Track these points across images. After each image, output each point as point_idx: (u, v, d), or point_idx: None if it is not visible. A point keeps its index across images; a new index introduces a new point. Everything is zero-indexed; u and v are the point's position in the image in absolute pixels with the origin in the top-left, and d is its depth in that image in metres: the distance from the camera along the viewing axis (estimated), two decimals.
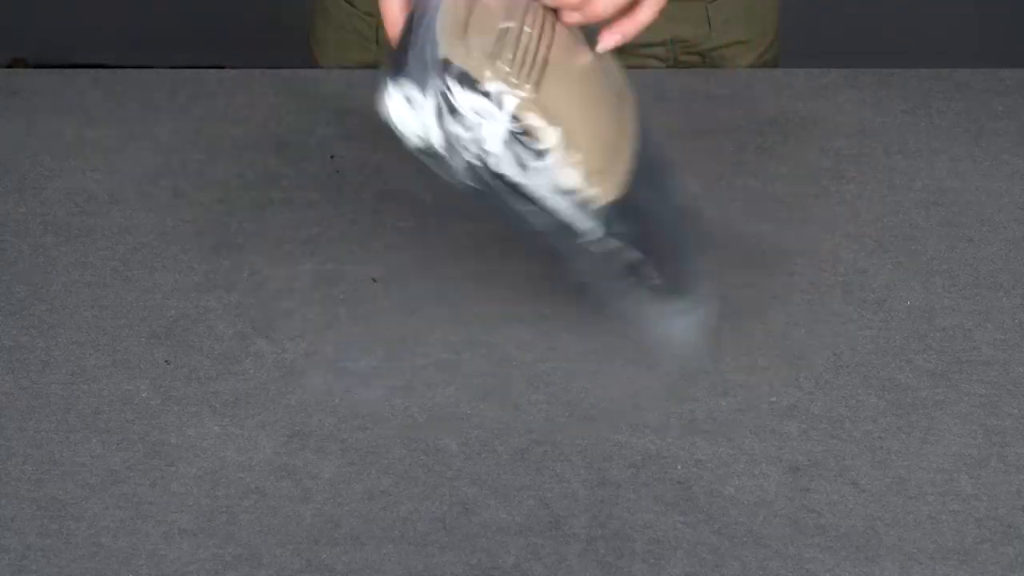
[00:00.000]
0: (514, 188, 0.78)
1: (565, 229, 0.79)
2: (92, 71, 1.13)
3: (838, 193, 0.98)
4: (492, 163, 0.77)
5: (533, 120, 0.76)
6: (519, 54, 0.76)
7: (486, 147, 0.76)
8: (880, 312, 0.90)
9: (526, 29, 0.78)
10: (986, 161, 1.02)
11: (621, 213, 0.80)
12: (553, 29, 0.80)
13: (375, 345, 0.88)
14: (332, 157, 1.02)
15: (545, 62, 0.77)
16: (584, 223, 0.79)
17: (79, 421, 0.83)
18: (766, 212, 0.96)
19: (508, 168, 0.77)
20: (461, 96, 0.75)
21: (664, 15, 1.16)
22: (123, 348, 0.88)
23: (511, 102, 0.75)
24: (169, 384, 0.85)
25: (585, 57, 0.82)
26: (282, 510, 0.78)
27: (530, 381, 0.85)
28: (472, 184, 0.77)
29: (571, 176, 0.77)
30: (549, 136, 0.76)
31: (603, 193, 0.79)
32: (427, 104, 0.76)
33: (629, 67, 1.19)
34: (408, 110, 0.77)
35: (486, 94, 0.75)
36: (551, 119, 0.76)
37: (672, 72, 1.14)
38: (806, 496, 0.78)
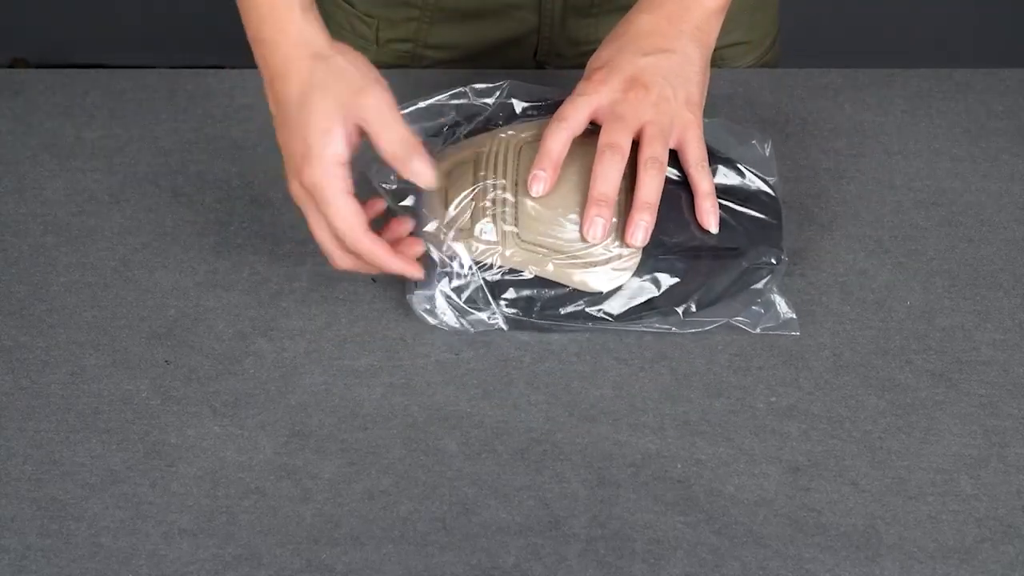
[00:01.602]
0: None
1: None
2: (92, 71, 1.13)
3: (838, 193, 0.98)
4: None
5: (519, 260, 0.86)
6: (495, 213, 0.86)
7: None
8: (880, 312, 0.90)
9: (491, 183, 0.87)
10: (986, 161, 1.02)
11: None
12: (517, 161, 0.88)
13: (375, 345, 0.88)
14: None
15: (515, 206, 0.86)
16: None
17: (79, 421, 0.83)
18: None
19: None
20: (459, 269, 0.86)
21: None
22: (123, 348, 0.88)
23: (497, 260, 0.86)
24: (169, 384, 0.85)
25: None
26: (282, 510, 0.78)
27: (530, 381, 0.85)
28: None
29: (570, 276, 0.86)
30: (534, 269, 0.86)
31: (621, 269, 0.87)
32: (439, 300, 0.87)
33: None
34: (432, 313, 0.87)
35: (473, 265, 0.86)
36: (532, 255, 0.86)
37: None
38: (806, 496, 0.78)
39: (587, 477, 0.79)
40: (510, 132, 0.90)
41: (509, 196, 0.86)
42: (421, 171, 0.81)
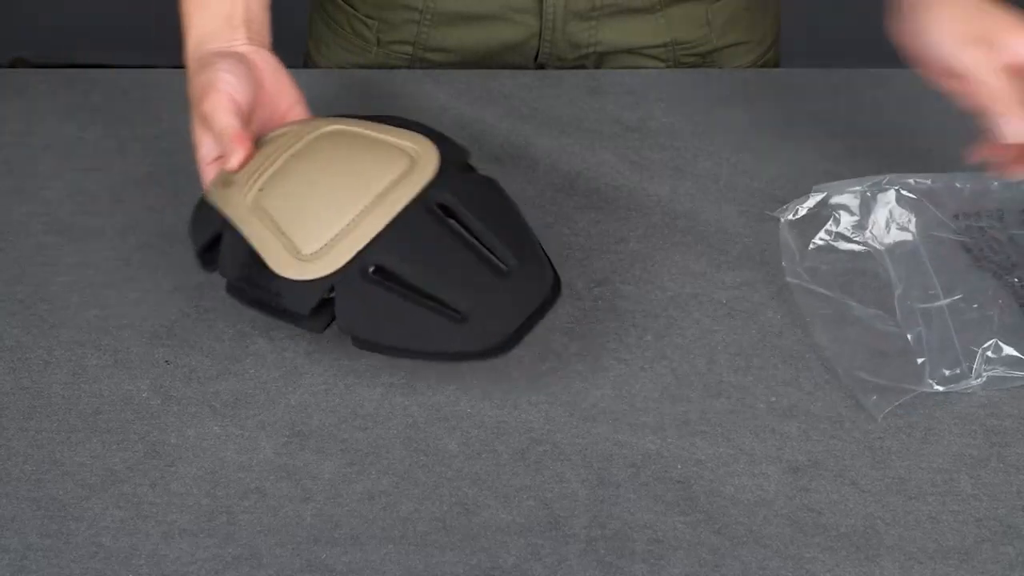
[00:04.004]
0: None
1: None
2: (92, 71, 1.13)
3: None
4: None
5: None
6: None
7: None
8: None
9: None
10: None
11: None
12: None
13: None
14: None
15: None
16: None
17: (79, 421, 0.83)
18: (766, 211, 0.96)
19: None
20: None
21: (665, 17, 1.17)
22: (123, 348, 0.88)
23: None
24: (169, 384, 0.85)
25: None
26: (282, 510, 0.78)
27: (530, 381, 0.85)
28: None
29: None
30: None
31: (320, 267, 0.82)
32: None
33: (630, 68, 1.19)
34: None
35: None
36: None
37: (672, 72, 1.14)
38: (806, 496, 0.78)
39: (587, 477, 0.79)
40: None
41: (278, 164, 0.86)
42: (229, 155, 0.86)
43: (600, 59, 1.16)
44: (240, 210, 0.84)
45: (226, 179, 0.87)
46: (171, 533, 0.76)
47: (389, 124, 0.88)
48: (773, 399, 0.84)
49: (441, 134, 0.87)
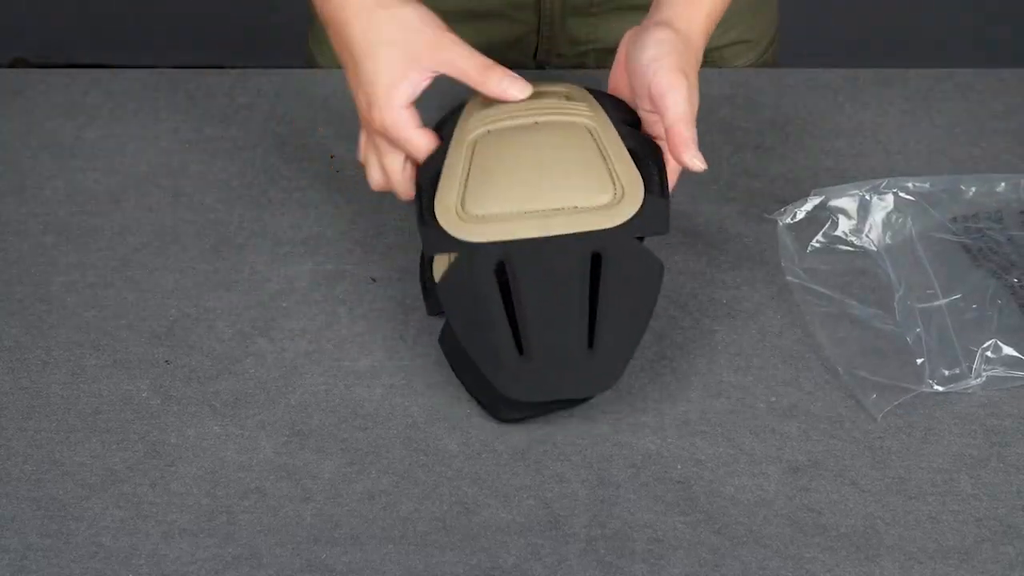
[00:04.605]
0: None
1: None
2: (92, 71, 1.13)
3: None
4: None
5: None
6: None
7: None
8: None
9: None
10: (986, 161, 1.02)
11: None
12: None
13: (375, 345, 0.88)
14: (332, 157, 1.02)
15: None
16: None
17: (79, 421, 0.83)
18: (766, 212, 0.96)
19: None
20: None
21: None
22: (123, 348, 0.88)
23: None
24: (169, 384, 0.85)
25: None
26: (282, 510, 0.78)
27: None
28: None
29: None
30: None
31: None
32: None
33: None
34: None
35: None
36: None
37: None
38: (806, 496, 0.78)
39: (587, 477, 0.79)
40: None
41: (520, 120, 0.85)
42: (507, 86, 0.83)
43: (600, 56, 1.16)
44: (465, 133, 0.85)
45: (483, 102, 0.86)
46: (171, 533, 0.76)
47: (644, 144, 0.86)
48: (773, 399, 0.84)
49: (664, 186, 0.85)
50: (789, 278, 0.90)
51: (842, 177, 0.99)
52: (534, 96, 0.86)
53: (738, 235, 0.95)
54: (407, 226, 0.96)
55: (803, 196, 0.95)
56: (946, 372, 0.84)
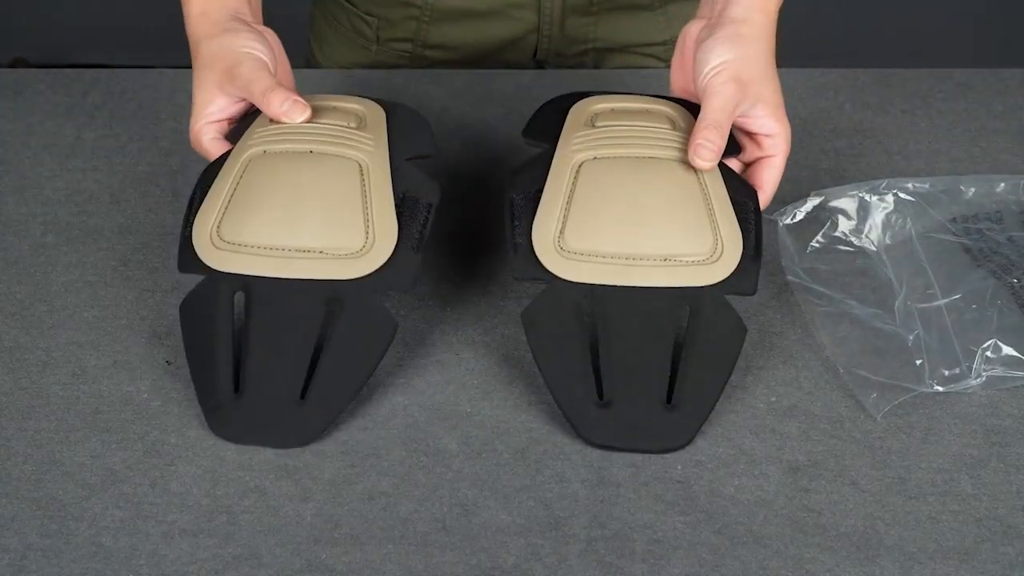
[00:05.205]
0: None
1: None
2: (92, 71, 1.13)
3: None
4: None
5: None
6: None
7: None
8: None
9: None
10: (986, 161, 1.02)
11: None
12: None
13: None
14: None
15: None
16: None
17: (79, 421, 0.83)
18: (766, 212, 0.96)
19: None
20: None
21: (664, 14, 1.17)
22: (123, 348, 0.88)
23: None
24: (169, 384, 0.85)
25: None
26: (282, 510, 0.78)
27: (530, 381, 0.85)
28: None
29: None
30: None
31: None
32: None
33: (629, 67, 1.19)
34: None
35: None
36: None
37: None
38: (806, 496, 0.78)
39: (587, 477, 0.79)
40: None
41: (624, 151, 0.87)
42: (288, 108, 0.88)
43: (600, 56, 1.16)
44: (568, 156, 0.86)
45: (591, 120, 0.88)
46: (171, 533, 0.76)
47: (740, 197, 0.87)
48: (773, 399, 0.84)
49: (759, 249, 0.85)
50: (789, 278, 0.90)
51: (842, 177, 0.99)
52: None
53: None
54: None
55: (803, 196, 0.95)
56: (946, 372, 0.84)
